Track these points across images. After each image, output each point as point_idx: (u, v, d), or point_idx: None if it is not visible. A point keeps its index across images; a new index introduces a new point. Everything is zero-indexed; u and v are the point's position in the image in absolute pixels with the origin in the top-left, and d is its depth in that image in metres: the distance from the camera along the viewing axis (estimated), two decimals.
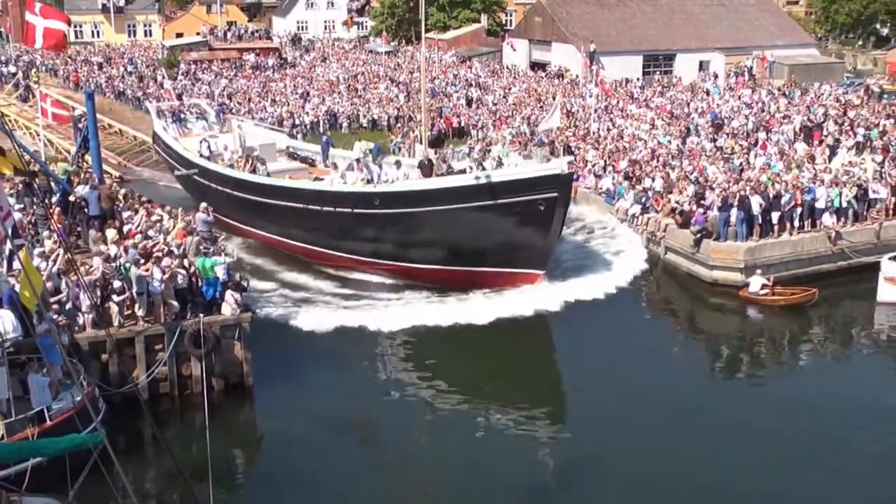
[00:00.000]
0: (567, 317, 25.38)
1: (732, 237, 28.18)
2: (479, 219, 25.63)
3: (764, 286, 26.85)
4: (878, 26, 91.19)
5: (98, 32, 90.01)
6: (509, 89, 57.47)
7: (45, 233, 22.29)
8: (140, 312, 20.62)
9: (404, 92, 56.52)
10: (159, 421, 19.36)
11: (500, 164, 29.67)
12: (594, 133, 42.49)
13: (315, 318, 25.34)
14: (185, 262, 21.93)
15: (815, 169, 32.03)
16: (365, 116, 51.94)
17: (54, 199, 25.16)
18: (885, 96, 47.35)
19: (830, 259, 28.91)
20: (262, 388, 21.43)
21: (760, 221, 28.28)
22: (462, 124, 49.98)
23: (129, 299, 20.57)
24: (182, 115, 40.62)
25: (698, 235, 28.58)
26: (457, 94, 56.07)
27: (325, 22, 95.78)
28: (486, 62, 67.83)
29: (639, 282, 28.17)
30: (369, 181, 28.29)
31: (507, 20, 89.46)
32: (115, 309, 20.39)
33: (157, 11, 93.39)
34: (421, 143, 36.54)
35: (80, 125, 34.49)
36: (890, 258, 27.13)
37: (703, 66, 63.10)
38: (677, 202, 30.69)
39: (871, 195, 29.81)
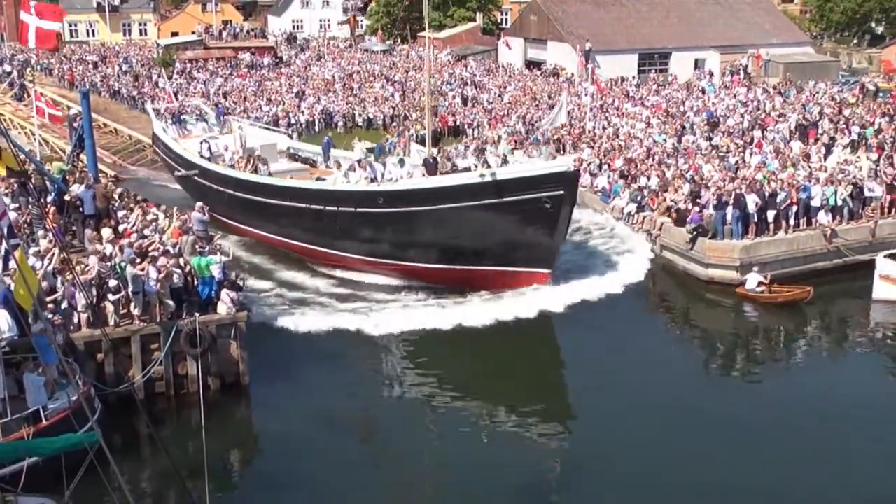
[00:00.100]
0: (566, 317, 25.33)
1: (728, 235, 28.21)
2: (485, 217, 25.43)
3: (760, 283, 26.90)
4: (872, 24, 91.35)
5: (93, 31, 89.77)
6: (505, 88, 57.47)
7: (41, 232, 22.26)
8: (136, 312, 20.59)
9: (400, 91, 56.49)
10: (155, 420, 19.34)
11: (504, 161, 29.50)
12: (590, 132, 42.51)
13: (311, 318, 25.33)
14: (181, 262, 21.90)
15: (810, 167, 32.07)
16: (360, 115, 51.89)
17: (49, 199, 25.14)
18: (880, 94, 47.46)
19: (826, 257, 28.95)
20: (258, 388, 21.41)
21: (756, 220, 28.32)
22: (458, 123, 49.96)
23: (124, 298, 20.54)
24: (182, 117, 40.58)
25: (694, 234, 28.61)
26: (452, 92, 56.05)
27: (321, 21, 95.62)
28: (481, 61, 67.81)
29: (636, 281, 28.08)
30: (373, 180, 28.09)
31: (502, 19, 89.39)
32: (110, 308, 20.37)
33: (152, 10, 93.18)
34: (417, 142, 36.56)
35: (76, 124, 34.48)
36: (885, 256, 27.19)
37: (698, 64, 63.14)
38: (673, 200, 30.72)
39: (867, 193, 29.84)
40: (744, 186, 28.95)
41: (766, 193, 28.56)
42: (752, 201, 28.09)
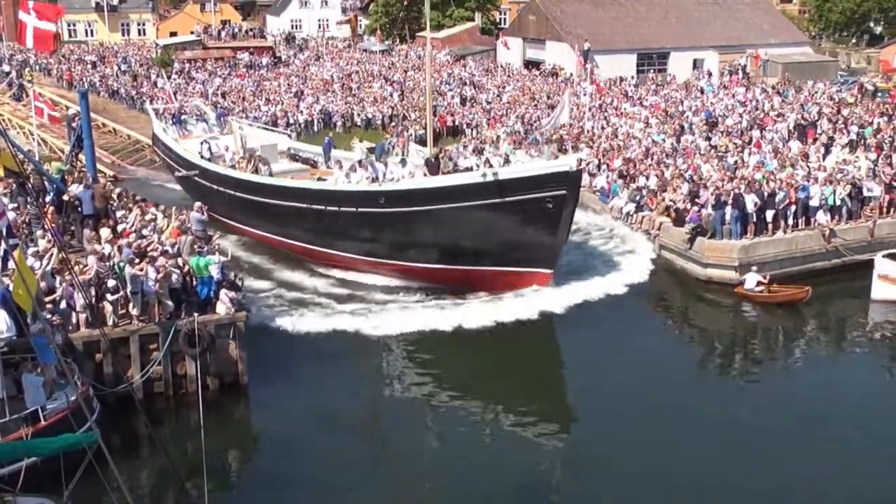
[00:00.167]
0: (564, 317, 25.30)
1: (727, 235, 28.22)
2: (487, 217, 25.30)
3: (759, 283, 26.91)
4: (871, 24, 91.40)
5: (92, 31, 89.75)
6: (503, 88, 57.49)
7: (39, 232, 22.26)
8: (134, 312, 20.57)
9: (398, 91, 56.50)
10: (154, 420, 19.29)
11: (507, 161, 29.40)
12: (588, 131, 42.51)
13: (310, 318, 25.31)
14: (180, 262, 21.89)
15: (809, 167, 32.09)
16: (359, 115, 51.89)
17: (48, 199, 25.13)
18: (879, 94, 47.52)
19: (824, 257, 28.96)
20: (257, 388, 21.40)
21: (755, 219, 28.33)
22: (456, 123, 49.97)
23: (123, 298, 20.53)
24: (182, 117, 40.57)
25: (693, 233, 28.62)
26: (451, 92, 56.06)
27: (320, 21, 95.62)
28: (480, 61, 67.82)
29: (635, 281, 28.01)
30: (374, 180, 28.00)
31: (501, 19, 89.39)
32: (109, 308, 20.36)
33: (150, 10, 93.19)
34: (416, 141, 36.52)
35: (74, 124, 34.44)
36: (884, 256, 27.20)
37: (697, 64, 63.17)
38: (672, 200, 30.74)
39: (865, 193, 29.85)
40: (742, 186, 28.97)
41: (765, 193, 28.57)
42: (750, 201, 28.10)
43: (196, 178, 33.35)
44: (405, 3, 75.17)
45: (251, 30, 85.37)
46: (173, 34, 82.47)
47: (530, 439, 19.56)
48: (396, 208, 26.68)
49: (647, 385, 21.54)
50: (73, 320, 20.22)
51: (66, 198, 24.52)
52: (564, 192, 24.61)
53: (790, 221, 28.90)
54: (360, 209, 27.52)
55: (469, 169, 28.26)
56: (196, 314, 20.65)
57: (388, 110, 52.15)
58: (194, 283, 21.67)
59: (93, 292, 20.19)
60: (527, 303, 25.64)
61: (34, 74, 52.73)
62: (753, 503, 17.22)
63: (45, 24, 27.20)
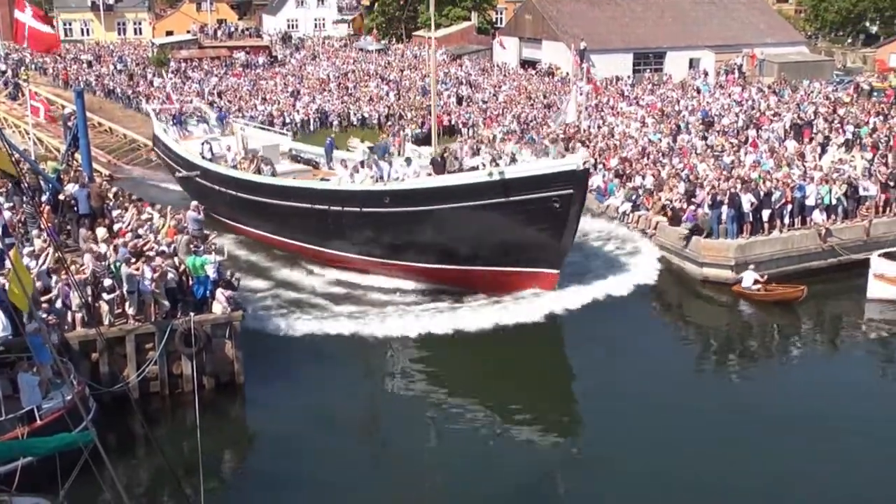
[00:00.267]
0: (562, 317, 25.26)
1: (723, 234, 28.24)
2: (493, 217, 25.07)
3: (756, 281, 26.95)
4: (867, 24, 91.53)
5: (87, 30, 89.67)
6: (499, 87, 57.49)
7: (35, 231, 22.21)
8: (130, 311, 20.55)
9: (395, 90, 56.48)
10: (150, 420, 19.31)
11: (513, 160, 29.29)
12: (585, 131, 42.51)
13: (307, 317, 25.29)
14: (176, 261, 21.87)
15: (805, 166, 32.12)
16: (355, 115, 51.89)
17: (44, 198, 25.08)
18: (875, 94, 47.64)
19: (820, 256, 28.99)
20: (253, 387, 21.38)
21: (751, 219, 28.36)
22: (453, 122, 49.96)
23: (119, 298, 20.51)
24: (182, 118, 40.51)
25: (689, 233, 28.64)
26: (447, 91, 56.06)
27: (316, 20, 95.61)
28: (476, 60, 67.82)
29: (635, 280, 27.89)
30: (379, 179, 27.74)
31: (497, 18, 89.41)
32: (105, 308, 20.33)
33: (146, 9, 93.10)
34: (412, 141, 36.44)
35: (70, 123, 34.41)
36: (879, 255, 27.23)
37: (693, 63, 63.20)
38: (668, 200, 30.77)
39: (861, 192, 29.89)
40: (739, 185, 28.99)
41: (761, 193, 28.60)
42: (746, 200, 28.13)
43: (197, 179, 33.21)
44: (401, 2, 75.13)
45: (247, 29, 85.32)
46: (169, 33, 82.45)
47: (530, 439, 19.58)
48: (401, 208, 26.44)
49: (647, 385, 21.54)
50: (69, 320, 20.19)
51: (62, 197, 24.46)
52: (571, 191, 24.35)
53: (786, 221, 28.94)
54: (364, 209, 27.32)
55: (475, 168, 28.00)
56: (192, 314, 20.64)
57: (384, 110, 52.14)
58: (190, 282, 21.64)
59: (89, 292, 20.17)
60: (526, 303, 25.59)
61: (30, 73, 52.69)
62: (752, 502, 17.24)
63: (45, 27, 27.16)
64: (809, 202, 29.06)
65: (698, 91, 51.96)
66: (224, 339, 21.22)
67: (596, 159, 36.72)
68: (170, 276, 21.05)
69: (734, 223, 28.13)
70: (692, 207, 29.48)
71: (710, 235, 28.44)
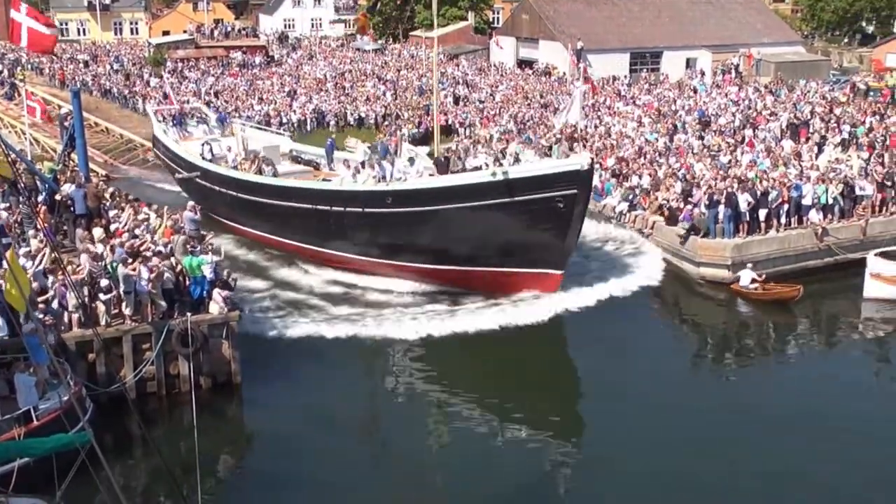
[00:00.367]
0: (565, 319, 25.23)
1: (720, 234, 28.26)
2: (496, 217, 24.90)
3: (754, 280, 26.99)
4: (863, 24, 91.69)
5: (84, 30, 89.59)
6: (496, 87, 57.49)
7: (31, 232, 22.19)
8: (127, 311, 20.54)
9: (391, 90, 56.48)
10: (147, 420, 19.28)
11: (517, 160, 29.10)
12: (581, 130, 42.50)
13: (304, 317, 25.27)
14: (172, 261, 21.85)
15: (801, 166, 32.15)
16: (352, 115, 51.87)
17: (40, 198, 25.06)
18: (871, 93, 47.74)
19: (817, 255, 29.01)
20: (250, 387, 21.37)
21: (748, 218, 28.38)
22: (449, 122, 49.94)
23: (116, 298, 20.49)
24: (182, 119, 40.47)
25: (686, 232, 28.66)
26: (444, 91, 56.04)
27: (313, 20, 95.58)
28: (473, 60, 67.85)
29: (634, 280, 27.87)
30: (382, 179, 27.56)
31: (494, 18, 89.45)
32: (102, 308, 20.31)
33: (143, 9, 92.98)
34: (409, 141, 36.41)
35: (66, 123, 34.38)
36: (876, 254, 27.26)
37: (689, 63, 63.31)
38: (665, 199, 30.78)
39: (858, 192, 29.92)
40: (735, 185, 29.01)
41: (758, 192, 28.61)
42: (743, 200, 28.15)
43: (198, 180, 33.13)
44: (398, 2, 75.19)
45: (244, 29, 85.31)
46: (166, 33, 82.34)
47: (529, 438, 19.54)
48: (403, 208, 26.29)
49: (646, 385, 21.56)
50: (66, 320, 20.17)
51: (58, 197, 24.45)
52: (575, 191, 24.21)
53: (783, 220, 28.95)
54: (366, 209, 27.17)
55: (478, 168, 27.84)
56: (189, 314, 20.62)
57: (381, 109, 52.13)
58: (187, 282, 21.62)
59: (85, 292, 20.15)
60: (525, 304, 25.55)
61: (26, 73, 52.60)
62: (752, 501, 17.27)
63: (43, 28, 27.08)
64: (806, 202, 29.08)
65: (695, 91, 52.02)
66: (221, 340, 21.21)
67: (592, 159, 36.67)
68: (166, 276, 21.03)
69: (731, 223, 28.14)
70: (689, 207, 29.49)
71: (707, 235, 28.45)
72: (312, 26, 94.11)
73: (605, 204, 33.16)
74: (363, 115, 51.70)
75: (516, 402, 21.22)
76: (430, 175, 27.48)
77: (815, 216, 29.06)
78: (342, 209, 27.75)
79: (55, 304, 19.99)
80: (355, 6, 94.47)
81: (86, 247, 21.70)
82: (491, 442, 19.29)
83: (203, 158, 33.79)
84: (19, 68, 56.90)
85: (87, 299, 20.20)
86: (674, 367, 23.15)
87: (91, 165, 32.64)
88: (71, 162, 30.36)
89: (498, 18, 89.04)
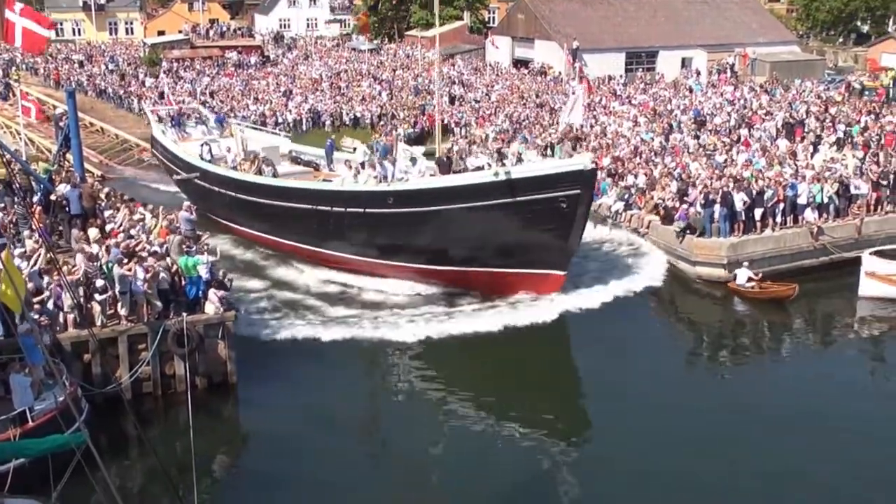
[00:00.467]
0: (565, 319, 25.20)
1: (716, 233, 28.29)
2: (498, 218, 24.80)
3: (750, 279, 27.03)
4: (858, 23, 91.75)
5: (79, 30, 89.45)
6: (492, 87, 57.48)
7: (27, 232, 22.16)
8: (123, 312, 20.51)
9: (387, 90, 56.46)
10: (143, 421, 19.27)
11: (519, 160, 28.95)
12: (577, 130, 42.49)
13: (300, 317, 25.25)
14: (168, 261, 21.83)
15: (796, 165, 32.20)
16: (348, 114, 51.83)
17: (35, 199, 25.03)
18: (866, 93, 47.74)
19: (812, 254, 29.05)
20: (246, 387, 21.35)
21: (743, 217, 28.41)
22: (445, 122, 49.85)
23: (111, 299, 20.46)
24: (181, 120, 40.43)
25: (681, 232, 28.69)
26: (439, 91, 55.94)
27: (308, 20, 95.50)
28: (468, 59, 67.83)
29: (634, 281, 27.83)
30: (384, 179, 27.43)
31: (489, 18, 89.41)
32: (97, 308, 20.29)
33: (138, 9, 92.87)
34: (404, 141, 36.37)
35: (62, 123, 34.31)
36: (871, 253, 27.30)
37: (685, 63, 63.34)
38: (660, 199, 30.81)
39: (853, 191, 29.96)
40: (731, 184, 29.05)
41: (753, 191, 28.65)
42: (739, 199, 28.18)
43: (197, 181, 33.05)
44: (394, 1, 75.17)
45: (239, 29, 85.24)
46: (161, 33, 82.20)
47: (529, 438, 19.51)
48: (405, 208, 26.21)
49: (645, 384, 21.57)
50: (62, 320, 20.15)
51: (53, 198, 24.42)
52: (579, 191, 24.13)
53: (778, 219, 28.99)
54: (367, 210, 27.07)
55: (480, 168, 27.74)
56: (185, 314, 20.60)
57: (376, 109, 52.10)
58: (183, 282, 21.61)
59: (81, 292, 20.12)
60: (524, 304, 25.55)
61: (21, 73, 52.54)
62: (751, 500, 17.30)
63: (39, 29, 27.03)
64: (801, 201, 29.12)
65: (690, 90, 52.01)
66: (217, 340, 21.20)
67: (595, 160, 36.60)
68: (162, 276, 21.02)
69: (726, 222, 28.17)
70: (684, 206, 29.52)
71: (703, 234, 28.49)
72: (308, 26, 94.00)
73: (600, 203, 33.14)
74: (359, 114, 51.65)
75: (515, 401, 21.23)
76: (432, 175, 27.43)
77: (810, 215, 29.11)
78: (343, 209, 27.65)
79: (50, 305, 19.98)
80: (351, 6, 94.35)
81: (81, 247, 21.70)
82: (490, 442, 19.28)
83: (202, 159, 33.72)
84: (14, 68, 56.78)
85: (82, 300, 20.17)
86: (672, 367, 23.18)
87: (86, 166, 32.57)
88: (66, 162, 30.30)
89: (493, 18, 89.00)
